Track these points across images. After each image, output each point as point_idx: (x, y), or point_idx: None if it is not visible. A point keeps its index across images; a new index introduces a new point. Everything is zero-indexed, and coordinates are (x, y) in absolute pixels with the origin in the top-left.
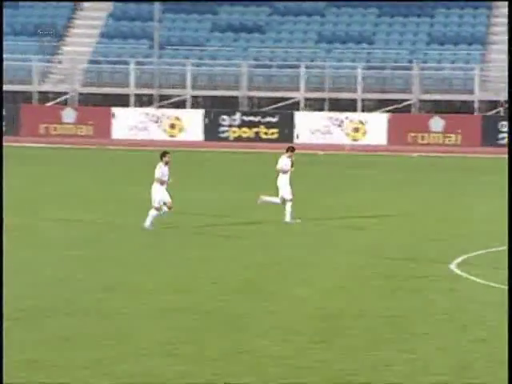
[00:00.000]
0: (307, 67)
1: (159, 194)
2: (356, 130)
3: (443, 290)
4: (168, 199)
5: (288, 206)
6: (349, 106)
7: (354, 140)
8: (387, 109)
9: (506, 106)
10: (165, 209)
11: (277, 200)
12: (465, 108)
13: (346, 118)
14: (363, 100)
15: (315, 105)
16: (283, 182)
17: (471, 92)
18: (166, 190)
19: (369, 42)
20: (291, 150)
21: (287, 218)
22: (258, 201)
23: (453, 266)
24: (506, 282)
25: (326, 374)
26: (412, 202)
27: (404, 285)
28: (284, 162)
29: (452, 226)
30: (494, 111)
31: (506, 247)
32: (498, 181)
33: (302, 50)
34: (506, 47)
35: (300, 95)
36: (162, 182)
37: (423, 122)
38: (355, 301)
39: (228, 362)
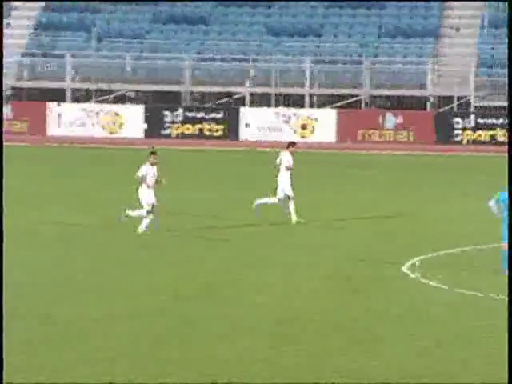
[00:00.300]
0: (253, 61)
1: (146, 196)
2: (304, 126)
3: (399, 292)
4: (154, 202)
5: (291, 204)
6: (297, 101)
7: (302, 137)
8: (337, 104)
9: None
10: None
11: (274, 200)
12: (417, 104)
13: (294, 114)
14: (312, 95)
15: (262, 100)
16: (285, 180)
17: (424, 87)
18: (154, 192)
19: (317, 35)
20: (293, 145)
21: (294, 217)
22: (254, 205)
23: (409, 269)
24: (462, 284)
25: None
26: (379, 202)
27: (362, 287)
28: (287, 158)
29: (418, 227)
30: (448, 107)
31: (465, 248)
32: (457, 179)
33: (248, 43)
34: (459, 40)
35: (246, 90)
36: (143, 182)
37: (374, 118)
38: (314, 304)
39: (184, 367)
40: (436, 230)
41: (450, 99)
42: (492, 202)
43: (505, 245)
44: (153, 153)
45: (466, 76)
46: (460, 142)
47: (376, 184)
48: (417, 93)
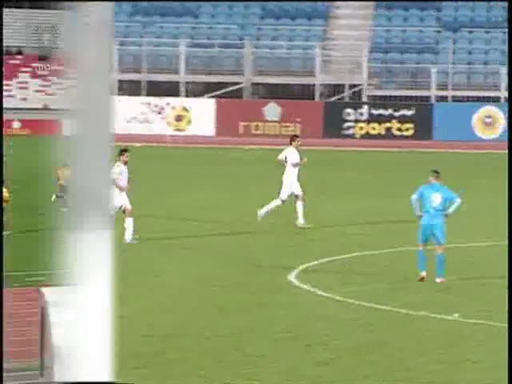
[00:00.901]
0: (120, 44)
1: (119, 198)
2: (179, 118)
3: (286, 304)
4: (128, 205)
5: (300, 204)
6: (170, 89)
7: (177, 130)
8: (215, 93)
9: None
10: (129, 221)
11: (275, 203)
12: (304, 93)
13: (168, 104)
14: (187, 83)
15: (130, 88)
16: (292, 178)
17: (311, 74)
18: (126, 193)
19: (193, 15)
20: (295, 139)
21: (301, 221)
22: (259, 217)
23: (296, 277)
24: (351, 294)
25: None
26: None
27: (246, 299)
28: (291, 154)
29: (304, 231)
30: (338, 97)
31: (353, 254)
32: (348, 176)
33: (115, 24)
34: (350, 22)
35: (112, 77)
36: (119, 186)
37: (257, 108)
38: (190, 318)
39: None
40: (327, 234)
41: (340, 88)
42: (414, 197)
43: (420, 245)
44: (125, 150)
45: (359, 62)
46: (352, 136)
47: (260, 183)
48: (304, 80)
